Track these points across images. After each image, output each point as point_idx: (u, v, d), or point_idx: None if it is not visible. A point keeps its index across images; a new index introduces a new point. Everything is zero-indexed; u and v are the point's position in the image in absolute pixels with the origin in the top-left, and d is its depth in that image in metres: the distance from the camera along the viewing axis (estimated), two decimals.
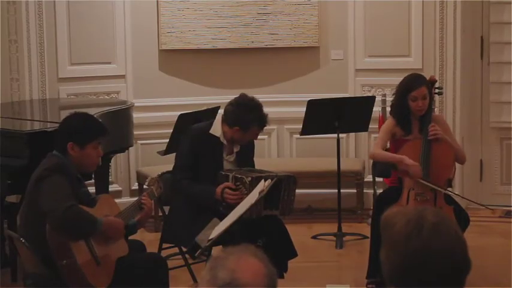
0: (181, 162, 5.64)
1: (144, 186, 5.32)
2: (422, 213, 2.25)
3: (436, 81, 6.18)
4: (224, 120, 5.62)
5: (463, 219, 5.69)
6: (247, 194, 5.27)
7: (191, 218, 5.47)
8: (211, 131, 5.63)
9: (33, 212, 4.66)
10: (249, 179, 5.38)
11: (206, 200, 5.47)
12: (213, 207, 5.42)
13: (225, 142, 5.63)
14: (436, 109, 7.53)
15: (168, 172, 5.81)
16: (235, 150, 5.68)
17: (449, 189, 6.15)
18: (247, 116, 5.54)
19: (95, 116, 6.14)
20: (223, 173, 5.51)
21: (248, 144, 5.75)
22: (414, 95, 5.83)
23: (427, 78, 6.11)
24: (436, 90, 6.14)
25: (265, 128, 5.70)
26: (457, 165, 6.29)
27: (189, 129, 5.78)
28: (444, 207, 5.71)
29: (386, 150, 6.04)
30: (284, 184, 5.51)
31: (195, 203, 5.53)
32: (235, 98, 5.68)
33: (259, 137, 7.92)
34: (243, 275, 2.11)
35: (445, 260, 2.20)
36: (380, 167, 6.50)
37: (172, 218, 5.77)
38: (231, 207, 5.24)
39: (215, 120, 5.69)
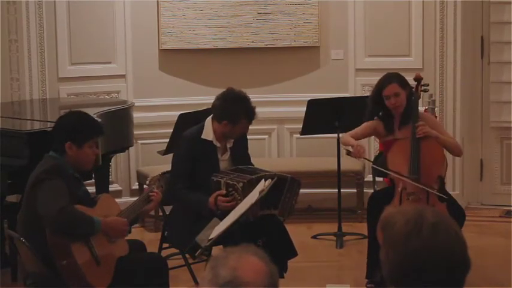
0: (177, 170, 5.62)
1: (145, 186, 5.31)
2: (422, 212, 2.25)
3: (422, 78, 6.16)
4: (213, 117, 5.60)
5: (458, 215, 5.67)
6: (241, 200, 5.24)
7: (192, 221, 5.45)
8: (203, 136, 5.59)
9: (31, 214, 4.65)
10: (241, 184, 5.34)
11: (200, 210, 5.45)
12: (209, 215, 5.38)
13: (218, 145, 5.61)
14: (436, 109, 7.55)
15: (168, 172, 5.81)
16: (228, 146, 5.66)
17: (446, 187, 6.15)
18: (235, 108, 5.50)
19: (95, 115, 6.15)
20: (215, 179, 5.45)
21: (240, 138, 5.73)
22: (386, 94, 5.87)
23: (418, 76, 6.11)
24: (422, 88, 6.13)
25: (254, 120, 5.60)
26: (458, 164, 6.31)
27: (182, 136, 5.76)
28: (437, 205, 5.69)
29: (381, 152, 6.10)
30: (288, 185, 5.49)
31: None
32: (222, 92, 5.65)
33: (259, 136, 8.02)
34: (244, 273, 2.11)
35: (445, 260, 2.20)
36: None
37: (173, 222, 5.77)
38: (228, 213, 5.22)
39: (205, 124, 5.63)
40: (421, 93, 6.13)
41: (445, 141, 5.99)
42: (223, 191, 5.38)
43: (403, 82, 5.94)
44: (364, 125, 6.09)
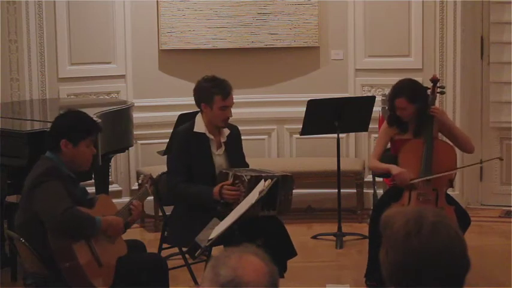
0: (173, 166, 5.64)
1: (139, 185, 5.30)
2: (422, 212, 2.25)
3: (439, 80, 6.16)
4: (198, 109, 5.64)
5: (464, 219, 5.69)
6: (245, 192, 5.26)
7: (193, 221, 5.45)
8: (195, 129, 5.63)
9: (29, 216, 4.64)
10: (248, 177, 5.38)
11: (204, 200, 5.46)
12: (212, 206, 5.40)
13: (211, 136, 5.63)
14: None
15: (165, 173, 5.81)
16: (222, 141, 5.68)
17: (450, 189, 6.16)
18: (206, 87, 5.59)
19: (95, 115, 6.16)
20: (223, 171, 5.52)
21: (234, 134, 5.73)
22: (395, 104, 5.87)
23: (430, 77, 6.10)
24: (439, 90, 6.12)
25: (229, 96, 5.58)
26: (458, 164, 6.31)
27: (175, 132, 5.79)
28: (445, 208, 5.71)
29: (387, 150, 6.08)
30: (280, 184, 5.50)
31: (195, 204, 5.53)
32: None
33: (259, 136, 8.03)
34: (244, 272, 2.12)
35: (445, 260, 2.20)
36: None
37: (173, 222, 5.77)
38: (229, 205, 5.24)
39: (196, 118, 5.68)
40: (437, 94, 6.12)
41: (459, 134, 6.02)
42: (229, 183, 5.40)
43: (411, 97, 5.83)
44: (379, 139, 6.10)
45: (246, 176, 5.40)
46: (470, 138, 6.24)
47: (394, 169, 5.83)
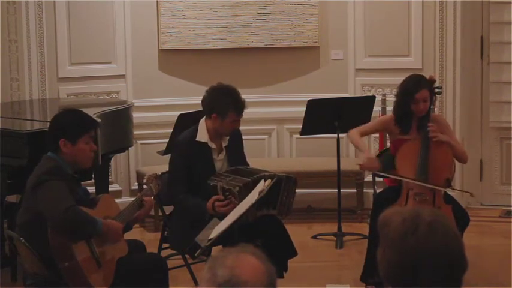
0: (175, 176, 5.61)
1: (144, 186, 5.32)
2: (419, 212, 2.26)
3: (435, 80, 6.18)
4: (204, 112, 5.59)
5: (462, 218, 5.69)
6: (238, 204, 5.23)
7: (192, 222, 5.44)
8: (197, 139, 5.59)
9: (32, 216, 4.65)
10: (237, 189, 5.33)
11: (200, 215, 5.43)
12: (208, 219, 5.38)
13: (213, 146, 5.60)
14: (436, 109, 7.53)
15: (167, 172, 5.81)
16: (223, 145, 5.66)
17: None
18: (223, 100, 5.50)
19: (95, 115, 6.16)
20: (211, 183, 5.45)
21: (236, 137, 5.72)
22: (416, 98, 5.83)
23: (427, 78, 6.12)
24: (436, 90, 6.14)
25: (243, 114, 5.57)
26: (457, 164, 6.31)
27: (177, 141, 5.77)
28: (443, 207, 5.71)
29: (387, 149, 6.09)
30: (284, 184, 5.49)
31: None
32: (211, 85, 5.65)
33: (259, 136, 8.03)
34: (242, 272, 2.12)
35: (441, 259, 2.20)
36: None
37: (173, 223, 5.76)
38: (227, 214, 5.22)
39: (199, 125, 5.63)
40: (435, 95, 6.13)
41: (455, 148, 6.00)
42: (221, 197, 5.37)
43: (431, 87, 5.91)
44: (377, 120, 6.10)
45: (234, 188, 5.35)
46: (465, 150, 6.22)
47: (366, 153, 5.93)
